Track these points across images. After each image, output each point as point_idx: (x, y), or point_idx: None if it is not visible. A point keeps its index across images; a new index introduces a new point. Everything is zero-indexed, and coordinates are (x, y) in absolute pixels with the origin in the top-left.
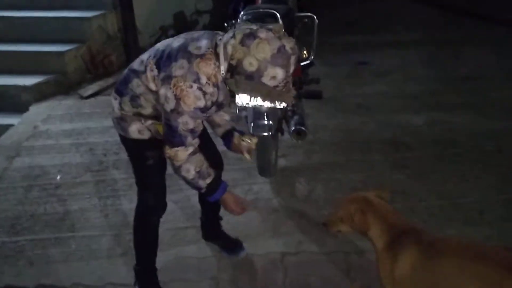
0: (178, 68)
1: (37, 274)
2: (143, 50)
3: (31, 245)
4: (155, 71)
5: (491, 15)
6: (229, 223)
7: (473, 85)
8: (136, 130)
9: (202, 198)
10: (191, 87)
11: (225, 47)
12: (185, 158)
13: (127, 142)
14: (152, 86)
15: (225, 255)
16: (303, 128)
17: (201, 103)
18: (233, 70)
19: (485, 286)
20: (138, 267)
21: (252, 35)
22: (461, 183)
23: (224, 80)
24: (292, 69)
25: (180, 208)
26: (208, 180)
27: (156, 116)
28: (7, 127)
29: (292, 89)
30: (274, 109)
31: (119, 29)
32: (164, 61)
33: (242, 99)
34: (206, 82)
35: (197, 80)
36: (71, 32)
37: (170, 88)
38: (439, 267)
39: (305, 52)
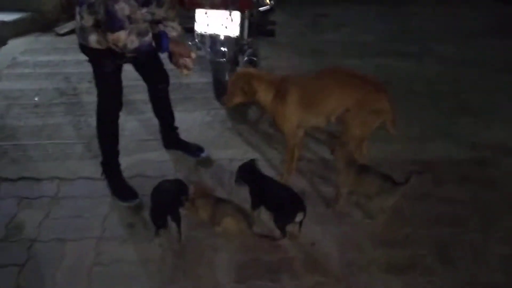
0: None
1: (18, 170)
2: None
3: (13, 149)
4: None
5: None
6: (186, 137)
7: (417, 38)
8: (95, 40)
9: (156, 112)
10: None
11: None
12: (126, 37)
13: (88, 50)
14: None
15: (190, 157)
16: (254, 58)
17: None
18: None
19: (340, 86)
20: (104, 161)
21: None
22: None
23: None
24: None
25: (144, 125)
26: (148, 38)
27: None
28: None
29: None
30: (229, 38)
31: None
32: None
33: (200, 28)
34: None
35: None
36: None
37: None
38: (314, 85)
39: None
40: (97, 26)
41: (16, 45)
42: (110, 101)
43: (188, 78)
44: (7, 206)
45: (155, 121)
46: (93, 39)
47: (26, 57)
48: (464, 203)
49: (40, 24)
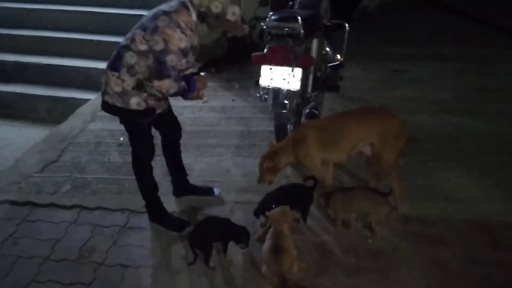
0: (161, 22)
1: (98, 200)
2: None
3: (96, 181)
4: (142, 32)
5: None
6: (247, 182)
7: (492, 97)
8: (136, 103)
9: (171, 161)
10: (175, 31)
11: (191, 1)
12: (169, 84)
13: (126, 112)
14: (143, 46)
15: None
16: (315, 111)
17: (183, 44)
18: (202, 16)
19: (352, 124)
20: (148, 205)
21: None
22: (450, 171)
23: (196, 25)
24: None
25: (211, 168)
26: (183, 82)
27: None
28: (87, 100)
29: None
30: (290, 92)
31: None
32: (146, 23)
33: (264, 82)
34: (185, 26)
35: (178, 25)
36: None
37: (159, 35)
38: (327, 129)
39: (338, 55)
40: (138, 88)
41: None
42: (147, 153)
43: (256, 127)
44: (83, 232)
45: (222, 164)
46: (134, 101)
47: None
48: None
49: None
